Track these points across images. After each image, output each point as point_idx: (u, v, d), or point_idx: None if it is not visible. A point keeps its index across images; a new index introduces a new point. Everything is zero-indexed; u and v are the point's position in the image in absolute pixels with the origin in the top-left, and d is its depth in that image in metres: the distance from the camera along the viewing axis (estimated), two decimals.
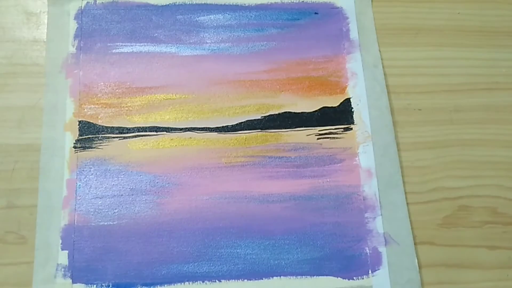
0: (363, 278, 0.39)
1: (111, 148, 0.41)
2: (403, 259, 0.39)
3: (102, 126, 0.41)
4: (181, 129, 0.42)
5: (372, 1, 0.47)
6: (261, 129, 0.43)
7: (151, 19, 0.45)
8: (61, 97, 0.42)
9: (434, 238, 0.41)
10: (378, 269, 0.39)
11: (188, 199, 0.40)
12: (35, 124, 0.41)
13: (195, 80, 0.44)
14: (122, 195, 0.40)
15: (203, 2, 0.46)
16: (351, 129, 0.43)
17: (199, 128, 0.42)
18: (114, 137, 0.41)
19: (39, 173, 0.39)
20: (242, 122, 0.43)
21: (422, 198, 0.42)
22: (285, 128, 0.43)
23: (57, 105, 0.41)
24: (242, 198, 0.40)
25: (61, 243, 0.38)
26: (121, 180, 0.40)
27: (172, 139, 0.42)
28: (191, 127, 0.42)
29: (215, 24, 0.45)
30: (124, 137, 0.41)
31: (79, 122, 0.41)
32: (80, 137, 0.41)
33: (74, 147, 0.40)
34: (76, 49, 0.43)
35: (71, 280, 0.37)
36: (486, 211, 0.42)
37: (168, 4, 0.46)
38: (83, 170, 0.40)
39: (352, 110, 0.43)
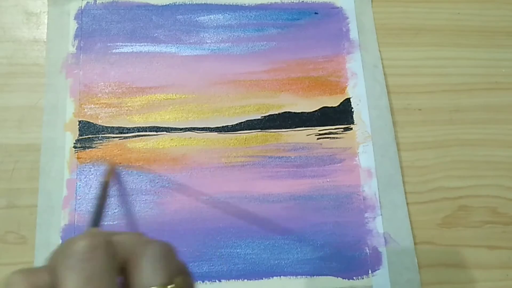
0: (363, 278, 0.39)
1: (111, 148, 0.41)
2: (403, 259, 0.39)
3: (102, 126, 0.41)
4: (181, 129, 0.42)
5: (372, 1, 0.47)
6: (261, 129, 0.43)
7: (151, 19, 0.45)
8: (61, 97, 0.42)
9: (434, 238, 0.41)
10: (378, 269, 0.39)
11: (188, 199, 0.40)
12: (35, 124, 0.41)
13: (195, 80, 0.44)
14: (122, 195, 0.40)
15: (203, 2, 0.46)
16: (351, 129, 0.43)
17: (199, 128, 0.42)
18: (114, 137, 0.41)
19: (39, 173, 0.39)
20: (242, 122, 0.43)
21: (422, 198, 0.42)
22: (285, 128, 0.43)
23: (57, 105, 0.41)
24: (242, 198, 0.40)
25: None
26: (121, 180, 0.40)
27: (172, 139, 0.42)
28: (191, 127, 0.42)
29: (215, 24, 0.45)
30: (124, 137, 0.41)
31: (79, 122, 0.41)
32: (80, 137, 0.41)
33: (74, 147, 0.41)
34: (76, 49, 0.43)
35: None
36: (486, 211, 0.42)
37: (168, 4, 0.46)
38: (83, 170, 0.40)
39: (352, 110, 0.43)
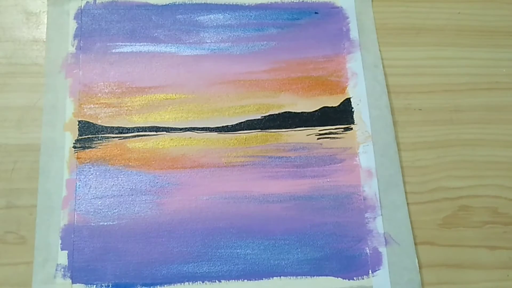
0: (363, 278, 0.38)
1: (110, 148, 0.41)
2: (404, 259, 0.39)
3: (102, 126, 0.41)
4: (181, 129, 0.42)
5: (372, 0, 0.47)
6: (261, 129, 0.42)
7: (151, 18, 0.45)
8: (61, 97, 0.42)
9: (434, 238, 0.41)
10: (378, 269, 0.39)
11: (188, 199, 0.40)
12: (35, 124, 0.41)
13: (195, 80, 0.43)
14: (121, 195, 0.40)
15: (203, 2, 0.46)
16: (351, 129, 0.43)
17: (199, 128, 0.42)
18: (113, 137, 0.41)
19: (39, 173, 0.39)
20: (242, 122, 0.43)
21: (422, 198, 0.42)
22: (285, 128, 0.43)
23: (57, 105, 0.41)
24: (242, 198, 0.40)
25: (61, 243, 0.38)
26: (121, 180, 0.40)
27: (172, 139, 0.42)
28: (191, 127, 0.42)
29: (215, 24, 0.45)
30: (124, 137, 0.41)
31: (79, 122, 0.41)
32: (80, 137, 0.41)
33: (74, 147, 0.40)
34: (75, 48, 0.43)
35: (70, 280, 0.37)
36: (487, 211, 0.42)
37: (168, 4, 0.45)
38: (82, 170, 0.40)
39: (352, 110, 0.43)
